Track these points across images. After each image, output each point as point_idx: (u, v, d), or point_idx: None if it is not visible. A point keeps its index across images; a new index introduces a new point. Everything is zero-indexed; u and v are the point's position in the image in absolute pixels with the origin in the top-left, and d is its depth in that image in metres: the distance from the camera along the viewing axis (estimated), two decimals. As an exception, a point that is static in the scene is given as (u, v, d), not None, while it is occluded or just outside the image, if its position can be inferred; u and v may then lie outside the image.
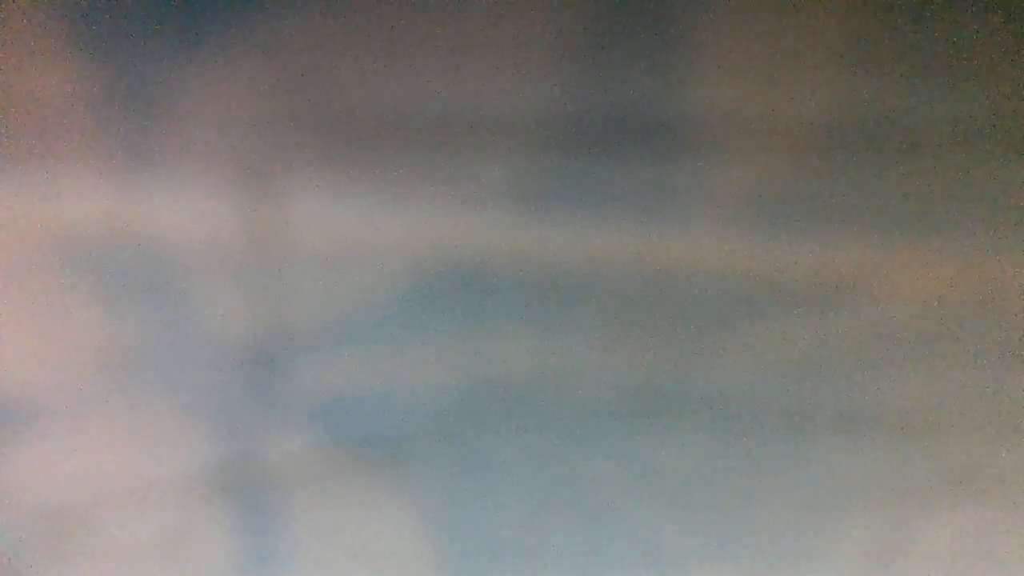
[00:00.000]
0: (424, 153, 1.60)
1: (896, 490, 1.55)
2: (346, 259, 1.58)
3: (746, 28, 1.61)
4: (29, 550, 1.54)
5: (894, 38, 1.61)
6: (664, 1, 1.61)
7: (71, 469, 1.55)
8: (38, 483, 1.55)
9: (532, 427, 1.56)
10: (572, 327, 1.57)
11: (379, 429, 1.56)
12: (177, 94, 1.61)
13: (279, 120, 1.61)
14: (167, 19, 1.61)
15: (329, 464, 1.55)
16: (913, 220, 1.59)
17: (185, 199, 1.59)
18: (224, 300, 1.58)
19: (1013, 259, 1.58)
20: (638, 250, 1.59)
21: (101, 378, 1.57)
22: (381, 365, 1.57)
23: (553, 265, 1.58)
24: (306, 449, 1.55)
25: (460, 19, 1.62)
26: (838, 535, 1.54)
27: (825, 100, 1.60)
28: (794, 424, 1.56)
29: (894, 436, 1.55)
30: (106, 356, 1.57)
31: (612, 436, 1.55)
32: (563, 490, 1.55)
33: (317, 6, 1.62)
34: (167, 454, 1.56)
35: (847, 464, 1.55)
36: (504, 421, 1.56)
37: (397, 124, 1.60)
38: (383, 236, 1.59)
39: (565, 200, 1.59)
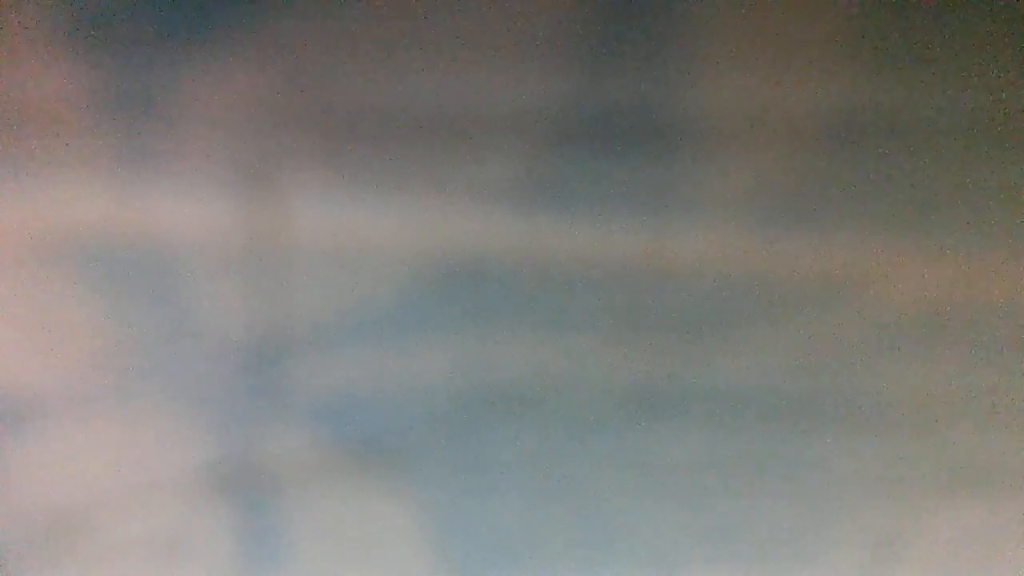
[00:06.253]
0: (424, 152, 1.60)
1: (897, 488, 1.55)
2: (346, 259, 1.58)
3: (746, 27, 1.62)
4: (29, 550, 1.54)
5: (895, 37, 1.62)
6: (664, 1, 1.62)
7: (71, 469, 1.55)
8: (38, 483, 1.55)
9: (532, 426, 1.56)
10: (572, 326, 1.57)
11: (379, 428, 1.56)
12: (177, 94, 1.61)
13: (279, 120, 1.61)
14: (167, 19, 1.62)
15: (329, 463, 1.55)
16: (913, 219, 1.59)
17: (185, 199, 1.59)
18: (224, 300, 1.58)
19: (1013, 258, 1.58)
20: (638, 250, 1.59)
21: (101, 377, 1.57)
22: (381, 365, 1.57)
23: (553, 264, 1.58)
24: (306, 449, 1.55)
25: (460, 19, 1.62)
26: (839, 532, 1.54)
27: (826, 99, 1.61)
28: (794, 422, 1.56)
29: (894, 433, 1.56)
30: (106, 355, 1.57)
31: (612, 435, 1.55)
32: (563, 490, 1.55)
33: (317, 6, 1.62)
34: (167, 454, 1.55)
35: (848, 462, 1.55)
36: (504, 420, 1.56)
37: (397, 123, 1.60)
38: (383, 236, 1.59)
39: (565, 199, 1.59)
